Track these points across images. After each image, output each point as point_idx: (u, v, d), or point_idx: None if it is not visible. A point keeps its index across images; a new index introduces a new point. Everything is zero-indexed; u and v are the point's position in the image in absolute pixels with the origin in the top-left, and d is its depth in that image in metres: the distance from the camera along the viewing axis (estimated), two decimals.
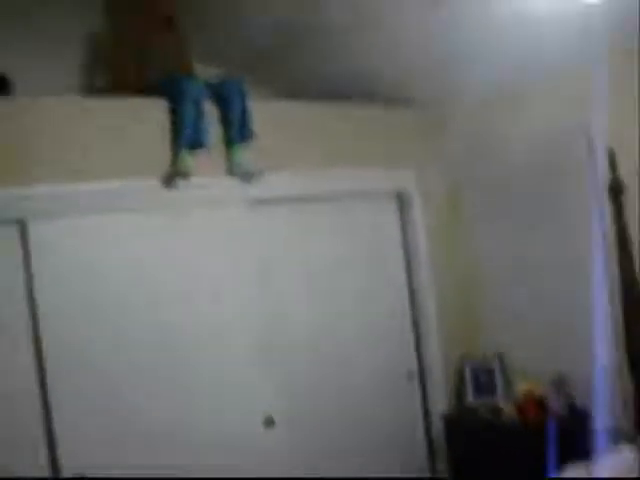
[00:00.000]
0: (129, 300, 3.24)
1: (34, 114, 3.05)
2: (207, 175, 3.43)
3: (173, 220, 3.42)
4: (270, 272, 3.72)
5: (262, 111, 3.61)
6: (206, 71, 3.73)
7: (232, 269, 3.58)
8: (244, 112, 3.55)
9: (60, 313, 3.05)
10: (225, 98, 3.53)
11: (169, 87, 3.40)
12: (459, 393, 4.39)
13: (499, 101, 3.98)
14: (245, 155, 3.54)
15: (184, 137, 3.34)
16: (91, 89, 3.69)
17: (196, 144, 3.38)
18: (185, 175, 3.33)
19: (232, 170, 3.53)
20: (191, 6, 3.67)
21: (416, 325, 4.37)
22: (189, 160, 3.35)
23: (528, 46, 3.51)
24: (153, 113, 3.35)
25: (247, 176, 3.53)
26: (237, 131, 3.53)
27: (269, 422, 3.56)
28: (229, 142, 3.53)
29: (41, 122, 3.06)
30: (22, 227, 3.01)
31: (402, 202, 4.34)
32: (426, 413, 4.34)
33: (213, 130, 3.47)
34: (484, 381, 4.29)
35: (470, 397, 4.31)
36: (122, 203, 3.25)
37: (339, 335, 3.99)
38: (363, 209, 4.18)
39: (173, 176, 3.34)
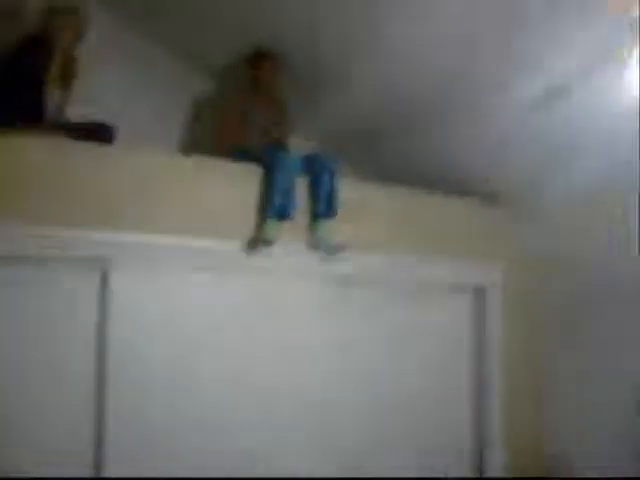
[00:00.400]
0: (199, 352, 3.24)
1: (131, 165, 3.14)
2: (288, 245, 3.44)
3: (249, 284, 3.43)
4: (337, 350, 3.66)
5: (349, 190, 3.63)
6: (299, 142, 3.84)
7: (304, 342, 3.55)
8: (332, 190, 3.58)
9: (130, 356, 3.05)
10: (316, 173, 3.59)
11: (267, 157, 3.48)
12: None
13: (587, 204, 3.84)
14: (329, 230, 3.55)
15: (273, 207, 3.39)
16: (191, 148, 3.82)
17: (284, 215, 3.42)
18: (269, 243, 3.36)
19: (315, 243, 3.54)
20: (296, 85, 3.81)
21: (479, 429, 4.16)
22: (274, 229, 3.38)
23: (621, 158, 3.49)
24: (246, 179, 3.42)
25: (330, 250, 3.53)
26: (324, 206, 3.56)
27: None
28: (314, 216, 3.56)
29: (136, 174, 3.14)
30: (104, 272, 3.05)
31: (479, 297, 4.23)
32: None
33: (300, 202, 3.51)
34: None
35: None
36: (203, 261, 3.28)
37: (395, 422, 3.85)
38: (439, 300, 4.10)
39: (257, 242, 3.37)
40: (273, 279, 3.49)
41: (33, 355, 2.88)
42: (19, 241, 2.81)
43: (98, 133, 3.26)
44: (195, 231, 3.23)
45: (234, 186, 3.40)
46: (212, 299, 3.32)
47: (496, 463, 4.10)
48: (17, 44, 3.30)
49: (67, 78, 3.46)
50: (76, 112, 3.40)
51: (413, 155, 4.07)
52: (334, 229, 3.55)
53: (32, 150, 2.91)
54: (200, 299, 3.29)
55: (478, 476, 4.10)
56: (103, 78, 3.62)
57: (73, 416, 2.94)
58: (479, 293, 4.22)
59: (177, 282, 3.23)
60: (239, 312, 3.38)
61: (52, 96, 3.36)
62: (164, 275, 3.20)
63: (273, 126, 3.87)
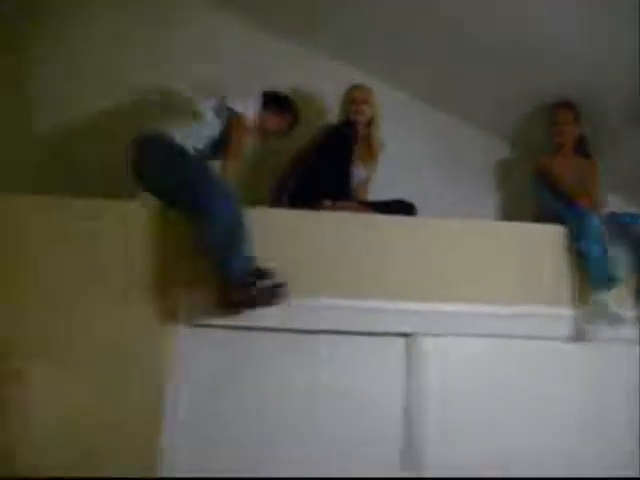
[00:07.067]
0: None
1: (433, 233, 3.15)
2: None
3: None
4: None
5: None
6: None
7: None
8: None
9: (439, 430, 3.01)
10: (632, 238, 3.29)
11: (573, 219, 3.29)
12: None
13: None
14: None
15: (594, 279, 3.15)
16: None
17: (611, 283, 3.14)
18: (618, 321, 3.08)
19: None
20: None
21: None
22: (610, 302, 3.11)
23: None
24: (551, 241, 3.25)
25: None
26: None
27: None
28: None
29: (436, 242, 3.14)
30: (408, 340, 3.09)
31: None
32: None
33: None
34: None
35: None
36: (505, 328, 3.13)
37: None
38: None
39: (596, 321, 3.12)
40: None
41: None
42: (332, 315, 2.97)
43: (401, 210, 3.36)
44: (498, 298, 3.11)
45: (533, 249, 3.22)
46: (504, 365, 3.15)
47: None
48: (322, 133, 3.56)
49: (371, 157, 3.65)
50: (376, 191, 3.59)
51: None
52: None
53: (346, 225, 3.07)
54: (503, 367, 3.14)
55: None
56: (401, 157, 3.77)
57: None
58: None
59: (479, 348, 3.14)
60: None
61: (357, 175, 3.55)
62: (466, 341, 3.12)
63: (583, 185, 3.66)
